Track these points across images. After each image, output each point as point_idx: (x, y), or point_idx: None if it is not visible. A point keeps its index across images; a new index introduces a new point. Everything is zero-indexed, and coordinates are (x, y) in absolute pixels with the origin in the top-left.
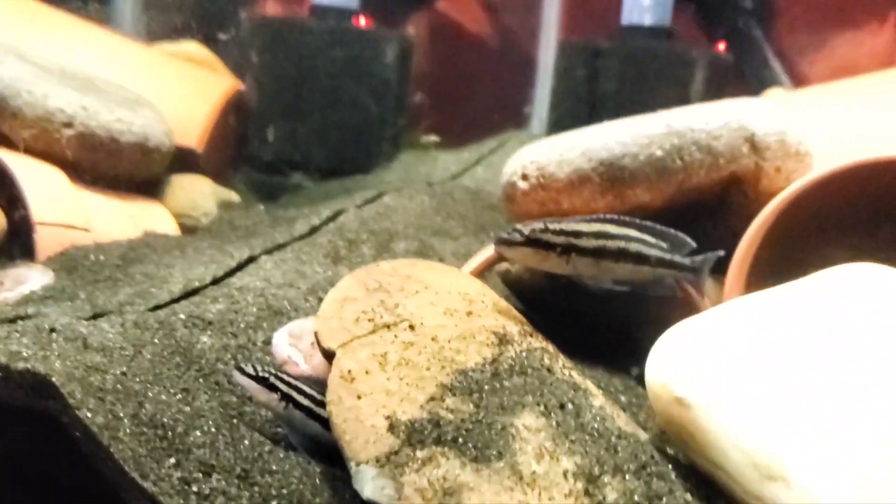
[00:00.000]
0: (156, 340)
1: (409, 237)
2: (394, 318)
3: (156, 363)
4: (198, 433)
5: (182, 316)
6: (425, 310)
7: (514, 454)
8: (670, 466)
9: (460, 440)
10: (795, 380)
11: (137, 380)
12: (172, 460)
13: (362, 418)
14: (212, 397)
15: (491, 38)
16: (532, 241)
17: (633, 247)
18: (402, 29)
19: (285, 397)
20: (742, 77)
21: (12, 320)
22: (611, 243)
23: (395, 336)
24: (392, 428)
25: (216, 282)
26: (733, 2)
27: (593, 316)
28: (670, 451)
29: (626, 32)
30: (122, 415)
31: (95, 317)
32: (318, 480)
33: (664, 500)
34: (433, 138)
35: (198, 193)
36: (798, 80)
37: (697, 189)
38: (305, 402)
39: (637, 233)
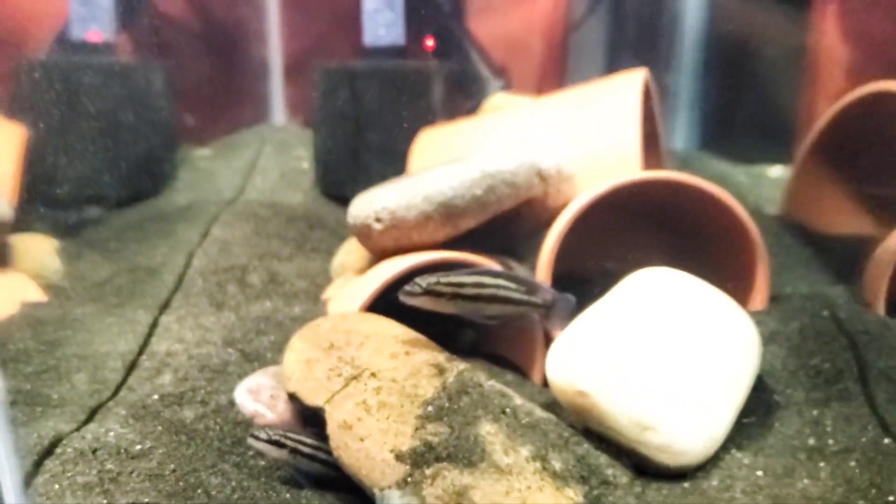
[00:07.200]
0: (159, 428)
1: (256, 269)
2: (356, 369)
3: (185, 448)
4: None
5: (155, 397)
6: (375, 357)
7: (491, 455)
8: (579, 436)
9: (451, 454)
10: (654, 363)
11: (192, 469)
12: None
13: (372, 455)
14: (240, 465)
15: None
16: (428, 292)
17: (502, 292)
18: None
19: (293, 451)
20: (466, 84)
21: None
22: (485, 291)
23: (365, 384)
24: (399, 457)
25: (141, 352)
26: (436, 7)
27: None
28: (573, 424)
29: (370, 53)
30: None
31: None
32: None
33: (586, 458)
34: (206, 152)
35: (42, 252)
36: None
37: (504, 211)
38: (307, 449)
39: (505, 281)
